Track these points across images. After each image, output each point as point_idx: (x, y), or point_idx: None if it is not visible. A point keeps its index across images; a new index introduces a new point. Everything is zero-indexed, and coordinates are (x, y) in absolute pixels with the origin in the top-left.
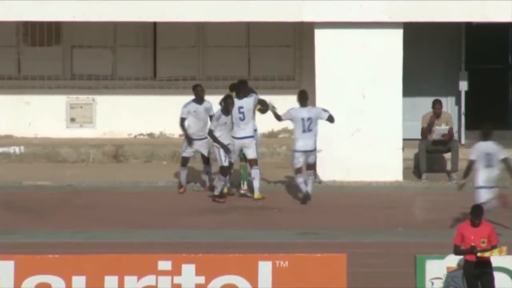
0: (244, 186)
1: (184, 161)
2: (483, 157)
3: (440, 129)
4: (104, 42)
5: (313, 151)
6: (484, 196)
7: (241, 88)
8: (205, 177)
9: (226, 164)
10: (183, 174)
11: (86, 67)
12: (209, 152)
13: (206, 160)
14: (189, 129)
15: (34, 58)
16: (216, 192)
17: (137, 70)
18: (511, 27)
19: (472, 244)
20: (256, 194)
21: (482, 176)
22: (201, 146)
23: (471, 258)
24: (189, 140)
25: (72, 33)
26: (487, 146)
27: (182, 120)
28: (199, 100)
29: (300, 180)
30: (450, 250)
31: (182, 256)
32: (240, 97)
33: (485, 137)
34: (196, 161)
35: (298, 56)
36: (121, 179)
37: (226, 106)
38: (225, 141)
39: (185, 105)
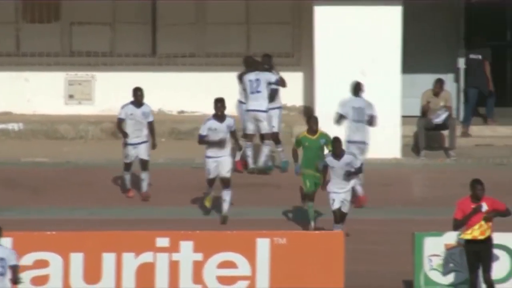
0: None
1: (127, 167)
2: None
3: (437, 120)
4: (103, 19)
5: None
6: None
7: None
8: (145, 187)
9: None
10: (127, 178)
11: (85, 44)
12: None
13: (144, 166)
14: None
15: (33, 35)
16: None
17: (136, 47)
18: (510, 4)
19: (473, 207)
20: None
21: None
22: (139, 151)
23: (473, 237)
24: (125, 144)
25: (71, 10)
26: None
27: (120, 121)
28: (137, 103)
29: None
30: (448, 227)
31: (180, 233)
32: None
33: None
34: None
35: (297, 33)
36: (120, 156)
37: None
38: (211, 153)
39: (123, 106)
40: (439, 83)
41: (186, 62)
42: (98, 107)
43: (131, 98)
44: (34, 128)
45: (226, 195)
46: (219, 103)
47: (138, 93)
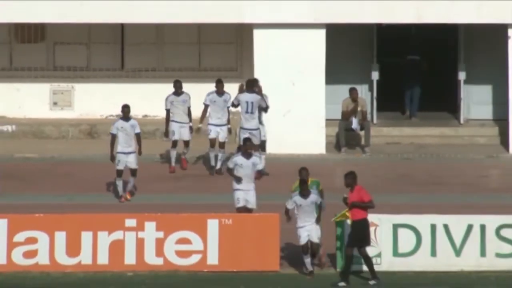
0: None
1: (119, 173)
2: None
3: (353, 127)
4: (80, 39)
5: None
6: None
7: None
8: (130, 187)
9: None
10: (120, 184)
11: (66, 60)
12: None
13: (133, 173)
14: (117, 143)
15: (23, 52)
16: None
17: (108, 63)
18: (413, 26)
19: (345, 195)
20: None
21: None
22: (128, 161)
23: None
24: (113, 156)
25: (54, 32)
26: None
27: (112, 136)
28: (126, 118)
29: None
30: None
31: (145, 215)
32: None
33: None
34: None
35: (240, 51)
36: (95, 152)
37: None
38: (240, 186)
39: (114, 122)
40: (355, 90)
41: (149, 75)
42: (77, 112)
43: (113, 110)
44: (24, 129)
45: None
46: (249, 141)
47: (125, 109)
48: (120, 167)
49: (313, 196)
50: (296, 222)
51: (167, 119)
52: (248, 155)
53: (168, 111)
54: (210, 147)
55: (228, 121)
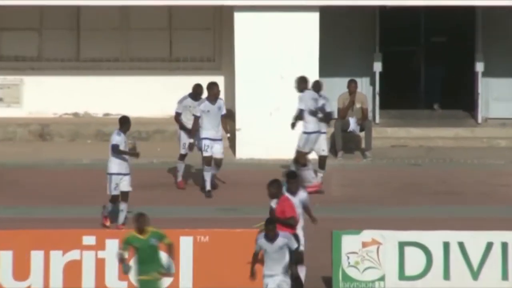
0: None
1: (114, 199)
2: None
3: (351, 129)
4: (31, 24)
5: None
6: None
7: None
8: (122, 218)
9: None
10: (109, 208)
11: (14, 49)
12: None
13: (124, 196)
14: (112, 164)
15: None
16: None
17: (62, 52)
18: (423, 10)
19: (272, 205)
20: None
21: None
22: (123, 183)
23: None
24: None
25: (0, 16)
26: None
27: (117, 147)
28: (126, 132)
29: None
30: (365, 226)
31: (106, 232)
32: None
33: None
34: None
35: (218, 38)
36: (47, 157)
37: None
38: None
39: (114, 135)
40: (353, 83)
41: (110, 66)
42: (26, 110)
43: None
44: None
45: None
46: (271, 225)
47: (128, 124)
48: (118, 192)
49: (281, 240)
50: (263, 269)
51: (180, 122)
52: (272, 238)
53: (178, 115)
54: (205, 165)
55: (227, 130)
